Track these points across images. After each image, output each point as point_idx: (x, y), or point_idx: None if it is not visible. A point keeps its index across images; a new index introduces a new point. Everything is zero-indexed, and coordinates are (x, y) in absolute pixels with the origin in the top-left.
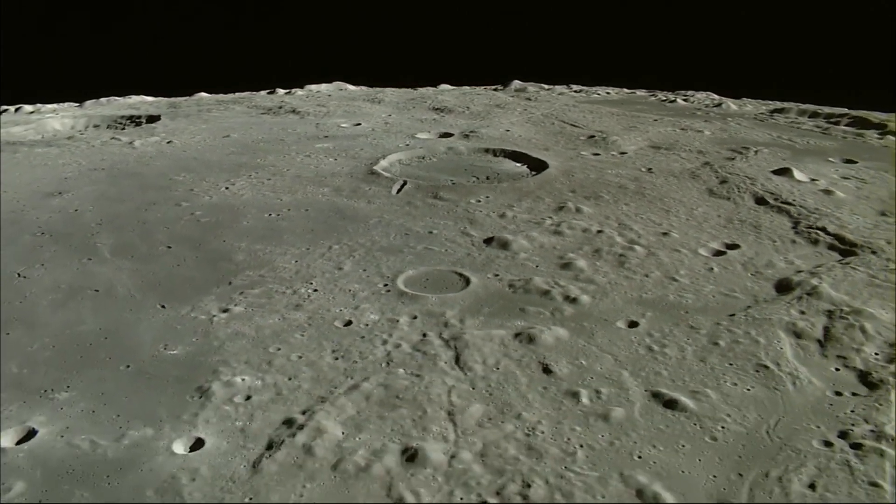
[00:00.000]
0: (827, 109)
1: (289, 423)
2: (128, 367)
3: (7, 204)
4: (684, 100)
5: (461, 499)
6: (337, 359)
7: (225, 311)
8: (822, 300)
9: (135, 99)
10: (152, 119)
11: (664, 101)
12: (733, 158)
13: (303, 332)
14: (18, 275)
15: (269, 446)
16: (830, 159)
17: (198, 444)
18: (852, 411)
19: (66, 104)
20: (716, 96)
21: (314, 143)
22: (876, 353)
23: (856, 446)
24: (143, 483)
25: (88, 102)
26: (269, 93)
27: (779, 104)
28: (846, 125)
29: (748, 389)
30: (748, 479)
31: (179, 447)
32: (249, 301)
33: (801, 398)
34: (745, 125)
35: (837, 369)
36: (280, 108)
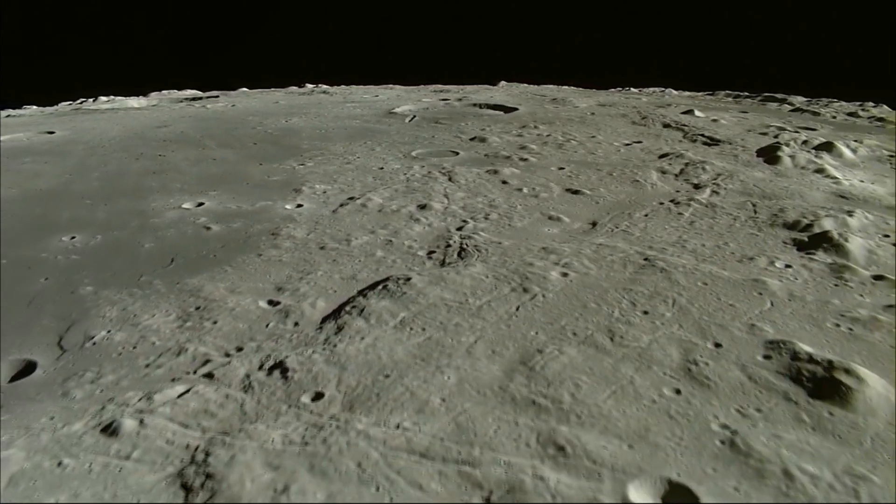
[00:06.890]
0: (748, 93)
1: (351, 199)
2: (247, 184)
3: (128, 131)
4: (638, 90)
5: (450, 221)
6: (375, 178)
7: (301, 164)
8: (684, 159)
9: (189, 91)
10: (210, 98)
11: (625, 89)
12: (657, 108)
13: (353, 171)
14: (159, 155)
15: (341, 205)
16: (730, 110)
17: (299, 206)
18: (677, 191)
19: (131, 97)
20: (662, 88)
21: (345, 104)
22: (707, 178)
23: (676, 203)
24: (273, 216)
25: (153, 94)
26: (298, 86)
27: (712, 92)
28: (758, 101)
29: (625, 189)
30: (612, 215)
31: (289, 206)
32: (316, 161)
33: (655, 192)
34: (677, 98)
35: (681, 183)
36: (311, 92)
